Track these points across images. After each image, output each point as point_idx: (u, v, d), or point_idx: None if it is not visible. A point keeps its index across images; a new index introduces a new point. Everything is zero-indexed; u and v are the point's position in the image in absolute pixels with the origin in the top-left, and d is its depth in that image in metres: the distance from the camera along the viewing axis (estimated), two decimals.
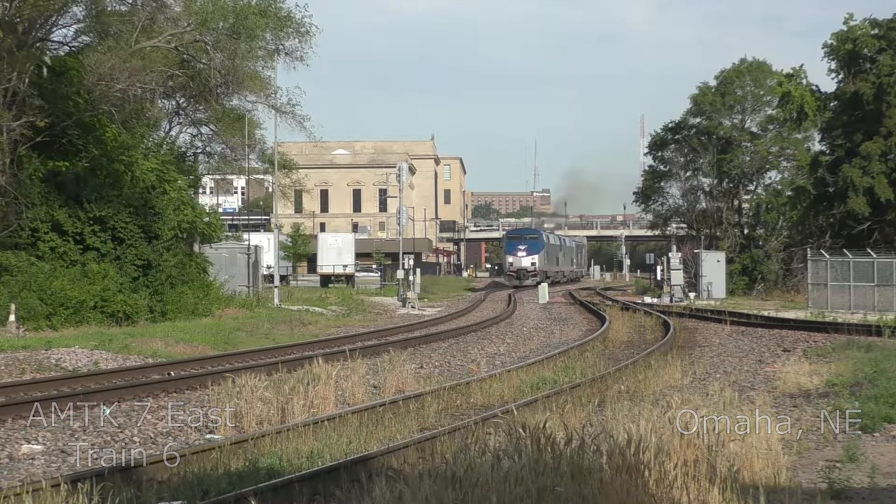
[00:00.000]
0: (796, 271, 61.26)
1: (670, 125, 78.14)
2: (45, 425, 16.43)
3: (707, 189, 75.49)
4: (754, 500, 9.10)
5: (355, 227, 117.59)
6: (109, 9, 41.22)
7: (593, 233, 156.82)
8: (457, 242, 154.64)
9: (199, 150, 54.08)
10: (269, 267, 61.40)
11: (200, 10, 44.41)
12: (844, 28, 60.49)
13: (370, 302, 55.79)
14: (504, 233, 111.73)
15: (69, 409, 17.82)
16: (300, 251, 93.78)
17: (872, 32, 59.33)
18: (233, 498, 10.94)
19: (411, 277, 61.68)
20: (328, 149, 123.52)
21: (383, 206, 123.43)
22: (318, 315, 44.22)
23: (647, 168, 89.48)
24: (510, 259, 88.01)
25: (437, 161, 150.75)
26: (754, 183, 75.06)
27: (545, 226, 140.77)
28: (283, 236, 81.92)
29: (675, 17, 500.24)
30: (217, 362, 25.01)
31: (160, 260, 37.70)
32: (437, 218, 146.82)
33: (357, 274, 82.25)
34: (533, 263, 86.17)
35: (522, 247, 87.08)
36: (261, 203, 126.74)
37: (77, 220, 35.75)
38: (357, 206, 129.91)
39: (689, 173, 76.26)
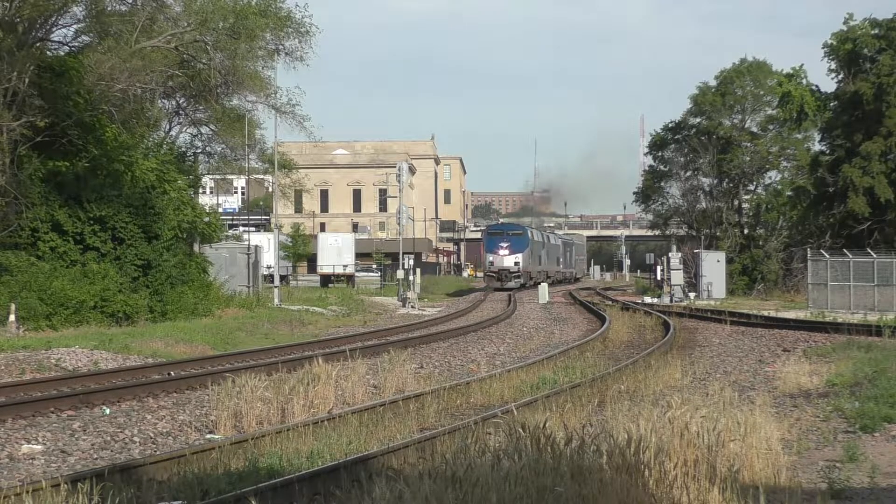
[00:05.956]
0: (796, 271, 61.25)
1: (670, 125, 78.20)
2: (45, 425, 16.43)
3: (707, 189, 75.49)
4: (754, 500, 9.11)
5: (355, 227, 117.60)
6: (109, 9, 41.32)
7: (593, 233, 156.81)
8: (457, 242, 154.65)
9: (199, 150, 54.16)
10: (269, 267, 61.41)
11: (200, 10, 44.51)
12: (844, 28, 60.56)
13: (370, 302, 55.80)
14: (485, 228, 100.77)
15: (69, 409, 17.85)
16: (300, 251, 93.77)
17: (872, 32, 59.38)
18: (233, 498, 10.93)
19: (411, 277, 61.69)
20: (328, 149, 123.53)
21: (383, 206, 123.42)
22: (318, 315, 44.22)
23: (647, 168, 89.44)
24: (490, 258, 78.13)
25: (437, 161, 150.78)
26: (754, 183, 75.09)
27: (545, 225, 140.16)
28: (283, 236, 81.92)
29: (675, 16, 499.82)
30: (217, 362, 25.01)
31: (160, 260, 37.69)
32: (437, 218, 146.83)
33: (357, 274, 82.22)
34: (516, 263, 76.98)
35: (504, 244, 77.70)
36: (261, 203, 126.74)
37: (77, 220, 35.74)
38: (357, 206, 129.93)
39: (689, 173, 76.27)
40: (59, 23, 40.17)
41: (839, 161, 57.42)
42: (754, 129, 74.17)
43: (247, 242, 53.87)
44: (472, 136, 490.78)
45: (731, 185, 74.30)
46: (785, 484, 10.71)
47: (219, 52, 45.11)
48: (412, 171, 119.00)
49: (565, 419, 12.95)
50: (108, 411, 17.83)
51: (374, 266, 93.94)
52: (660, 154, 79.43)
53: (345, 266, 78.87)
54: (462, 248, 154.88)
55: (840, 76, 61.13)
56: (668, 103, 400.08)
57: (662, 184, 79.36)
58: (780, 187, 72.50)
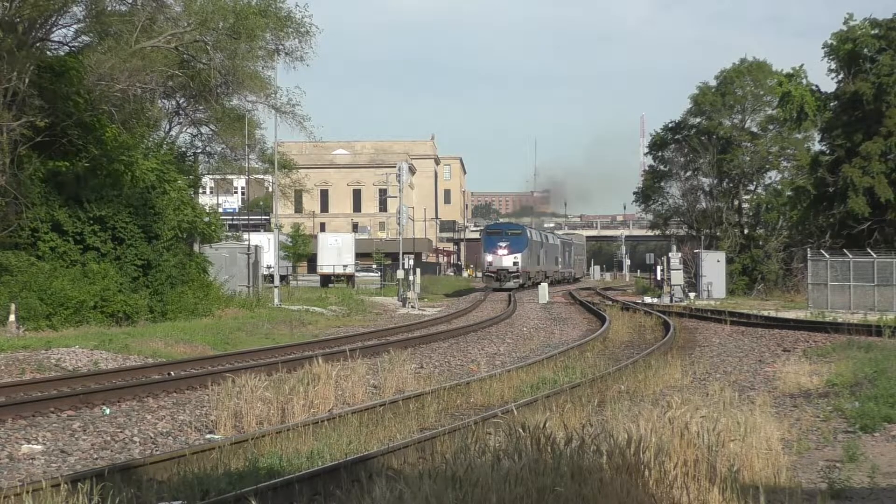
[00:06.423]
0: (796, 271, 61.28)
1: (670, 125, 78.25)
2: (45, 425, 16.43)
3: (707, 189, 75.54)
4: (754, 500, 9.11)
5: (355, 227, 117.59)
6: (109, 9, 41.30)
7: (593, 233, 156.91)
8: (457, 242, 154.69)
9: (199, 150, 54.19)
10: (269, 267, 61.41)
11: (200, 10, 44.49)
12: (844, 28, 60.54)
13: (370, 302, 55.78)
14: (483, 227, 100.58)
15: (69, 409, 17.85)
16: (300, 251, 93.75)
17: (872, 32, 59.36)
18: (233, 498, 10.93)
19: (411, 277, 61.65)
20: (328, 149, 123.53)
21: (383, 206, 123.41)
22: (318, 315, 44.22)
23: (647, 168, 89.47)
24: (489, 258, 77.44)
25: (437, 161, 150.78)
26: (754, 183, 75.15)
27: (545, 225, 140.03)
28: (283, 236, 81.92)
29: (674, 16, 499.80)
30: (217, 362, 25.01)
31: (160, 260, 37.69)
32: (437, 218, 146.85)
33: (357, 274, 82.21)
34: (515, 263, 76.20)
35: (503, 244, 77.00)
36: (261, 203, 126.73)
37: (77, 220, 35.74)
38: (357, 206, 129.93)
39: (689, 173, 76.33)
40: (59, 23, 40.22)
41: (839, 161, 57.41)
42: (754, 129, 74.21)
43: (247, 242, 53.87)
44: (472, 136, 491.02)
45: (731, 185, 74.34)
46: (785, 484, 10.71)
47: (219, 52, 45.10)
48: (412, 171, 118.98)
49: (565, 419, 12.95)
50: (108, 411, 17.83)
51: (374, 266, 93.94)
52: (660, 154, 79.47)
53: (345, 266, 78.88)
54: (462, 248, 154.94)
55: (840, 76, 61.11)
56: (668, 103, 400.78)
57: (662, 184, 79.41)
58: (780, 187, 72.53)
